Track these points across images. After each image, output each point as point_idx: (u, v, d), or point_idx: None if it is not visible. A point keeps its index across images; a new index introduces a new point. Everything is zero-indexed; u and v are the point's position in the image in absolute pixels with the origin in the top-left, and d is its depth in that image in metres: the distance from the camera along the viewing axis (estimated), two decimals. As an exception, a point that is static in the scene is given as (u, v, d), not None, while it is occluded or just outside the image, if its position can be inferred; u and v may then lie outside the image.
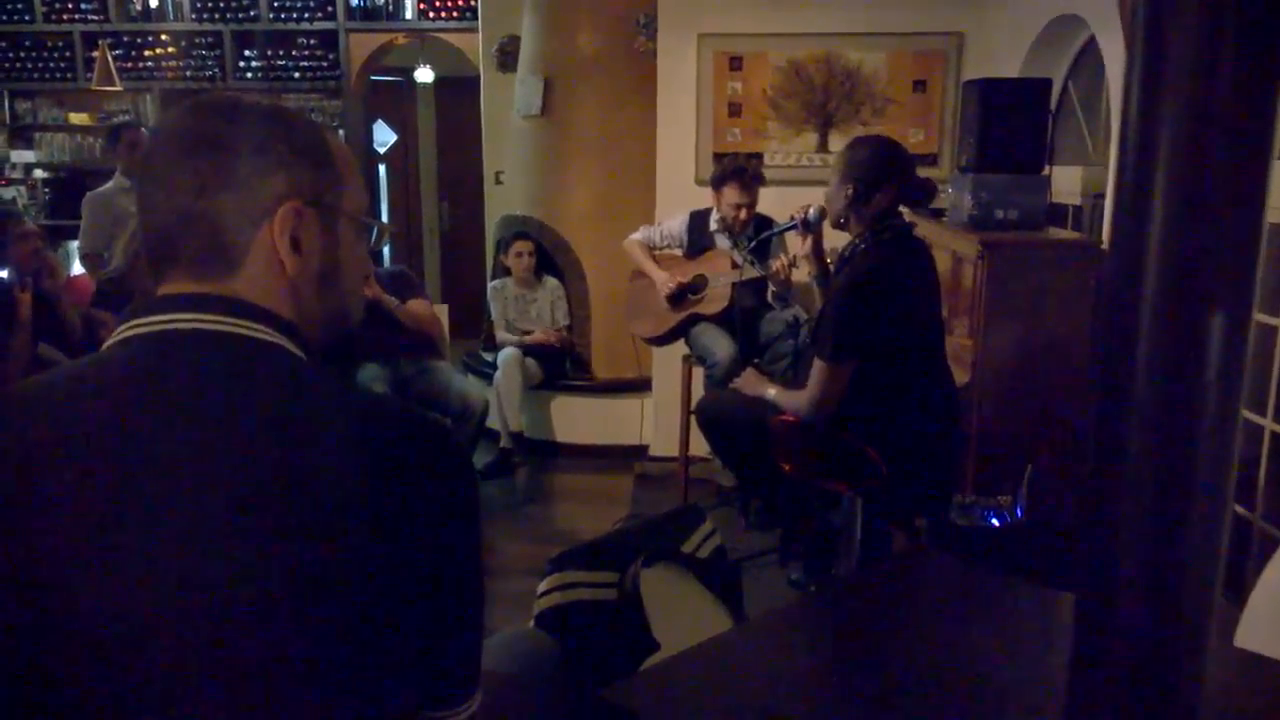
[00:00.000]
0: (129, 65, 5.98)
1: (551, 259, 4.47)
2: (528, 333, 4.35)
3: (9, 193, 6.08)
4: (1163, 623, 0.67)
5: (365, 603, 0.71)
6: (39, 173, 6.25)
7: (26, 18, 5.99)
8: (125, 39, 6.02)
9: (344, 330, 0.89)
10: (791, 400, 2.43)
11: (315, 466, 0.72)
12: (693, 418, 3.01)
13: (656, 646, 1.67)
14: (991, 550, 2.38)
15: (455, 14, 5.88)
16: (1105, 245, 2.66)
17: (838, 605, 1.64)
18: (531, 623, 1.72)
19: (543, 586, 1.74)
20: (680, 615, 1.79)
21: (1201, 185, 0.61)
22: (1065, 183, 3.22)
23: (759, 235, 3.32)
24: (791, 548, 2.94)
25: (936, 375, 2.42)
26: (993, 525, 2.45)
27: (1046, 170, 2.92)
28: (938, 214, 3.15)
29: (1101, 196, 3.00)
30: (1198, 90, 0.60)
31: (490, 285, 4.48)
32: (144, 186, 0.80)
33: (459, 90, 6.41)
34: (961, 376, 2.67)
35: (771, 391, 2.50)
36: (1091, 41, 3.08)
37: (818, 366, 2.34)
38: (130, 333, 0.77)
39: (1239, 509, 2.42)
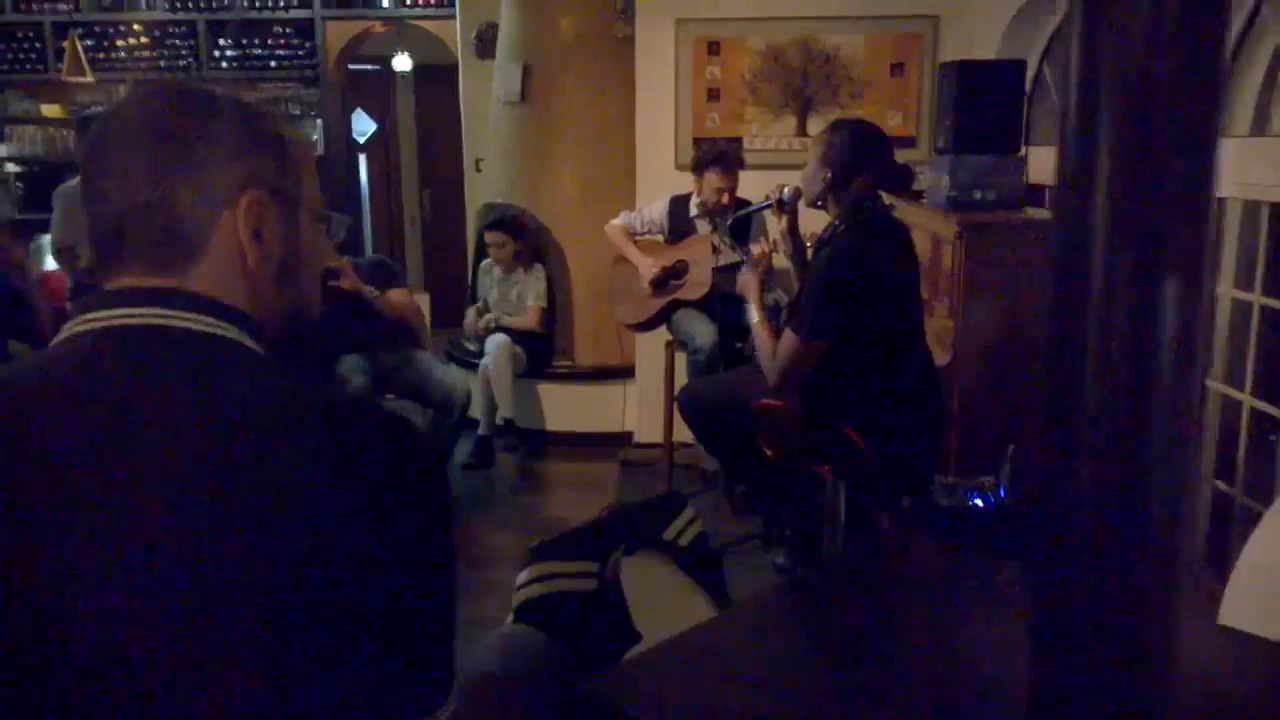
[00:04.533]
0: (101, 56, 5.89)
1: (534, 246, 4.45)
2: (502, 316, 4.30)
3: (-18, 186, 6.00)
4: (1121, 596, 0.67)
5: (331, 606, 0.69)
6: (10, 166, 6.16)
7: (-6, 8, 5.89)
8: (96, 29, 5.93)
9: (302, 324, 0.87)
10: (764, 347, 2.42)
11: (274, 468, 0.69)
12: (676, 404, 3.00)
13: (638, 637, 1.67)
14: (975, 530, 2.39)
15: (433, 2, 5.82)
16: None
17: (820, 590, 1.64)
18: (511, 616, 1.71)
19: (522, 577, 1.73)
20: (662, 604, 1.79)
21: (1148, 151, 0.61)
22: (1042, 163, 3.23)
23: (735, 218, 3.32)
24: (775, 533, 2.95)
25: (916, 357, 2.42)
26: (976, 505, 2.46)
27: (1023, 151, 2.92)
28: (917, 196, 3.15)
29: (1079, 176, 3.01)
30: (1140, 57, 0.59)
31: (481, 265, 4.45)
32: (94, 177, 0.77)
33: (438, 78, 6.35)
34: (942, 357, 2.68)
35: (755, 318, 2.48)
36: (1066, 22, 3.08)
37: (788, 339, 2.34)
38: (79, 328, 0.73)
39: (1220, 484, 2.45)
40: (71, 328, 0.74)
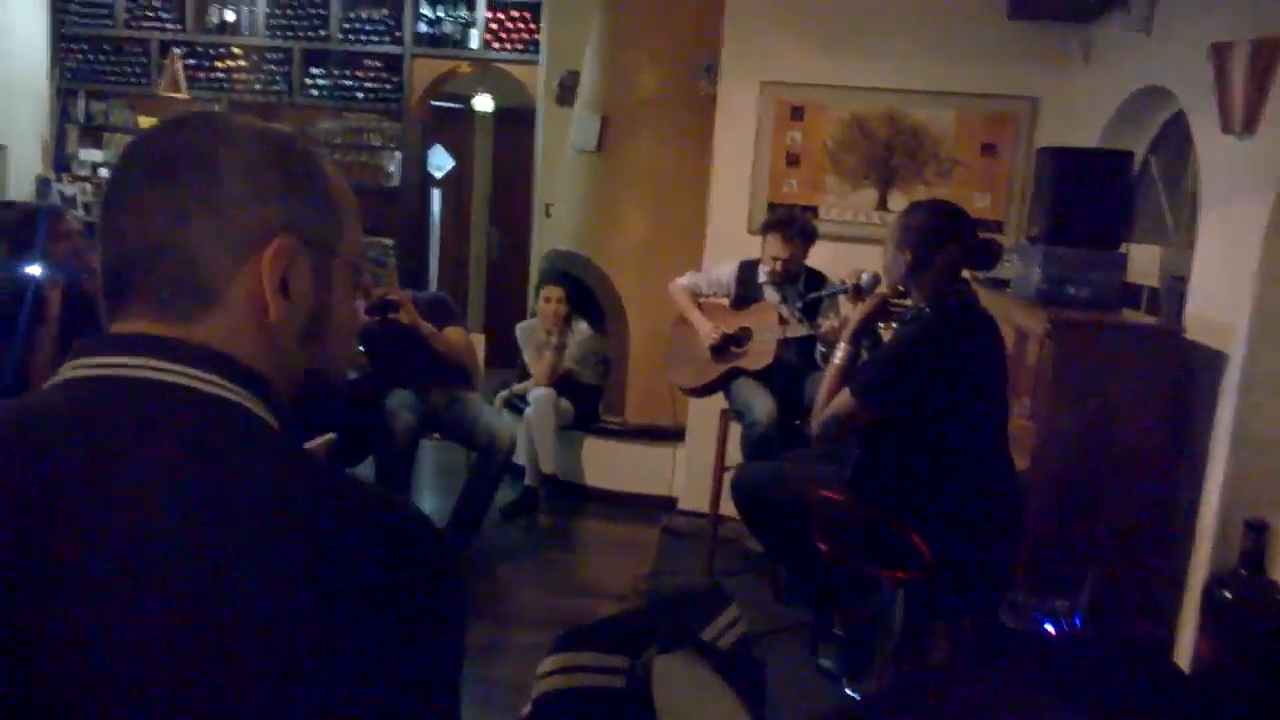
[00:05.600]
0: (200, 75, 6.08)
1: (594, 297, 4.37)
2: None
3: (72, 189, 6.18)
4: None
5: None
6: (104, 172, 6.37)
7: (108, 22, 6.13)
8: (199, 49, 6.13)
9: (324, 394, 0.78)
10: (824, 389, 2.29)
11: (256, 558, 0.59)
12: (726, 484, 2.83)
13: (665, 746, 1.51)
14: (1043, 660, 2.17)
15: (519, 46, 5.89)
16: (1188, 333, 2.46)
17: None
18: (529, 707, 1.57)
19: (545, 666, 1.58)
20: (694, 713, 1.62)
21: None
22: (1142, 262, 3.03)
23: (810, 292, 3.18)
24: (825, 632, 2.74)
25: (997, 462, 2.24)
26: (1047, 632, 2.23)
27: (1123, 247, 2.73)
28: (1001, 285, 2.97)
29: (1181, 279, 2.80)
30: None
31: (519, 327, 4.37)
32: (108, 210, 0.70)
33: (517, 121, 6.40)
34: (1019, 462, 2.47)
35: (839, 356, 2.33)
36: (1178, 115, 2.90)
37: (844, 394, 2.22)
38: (72, 374, 0.66)
39: None
40: (65, 373, 0.67)
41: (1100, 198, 2.65)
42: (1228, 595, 1.93)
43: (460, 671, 0.68)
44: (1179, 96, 2.76)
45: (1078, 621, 2.16)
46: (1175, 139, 3.05)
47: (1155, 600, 2.53)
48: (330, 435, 2.39)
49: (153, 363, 0.65)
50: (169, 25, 6.13)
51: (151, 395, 0.64)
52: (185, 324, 0.67)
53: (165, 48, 6.02)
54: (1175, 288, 2.88)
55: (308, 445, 2.42)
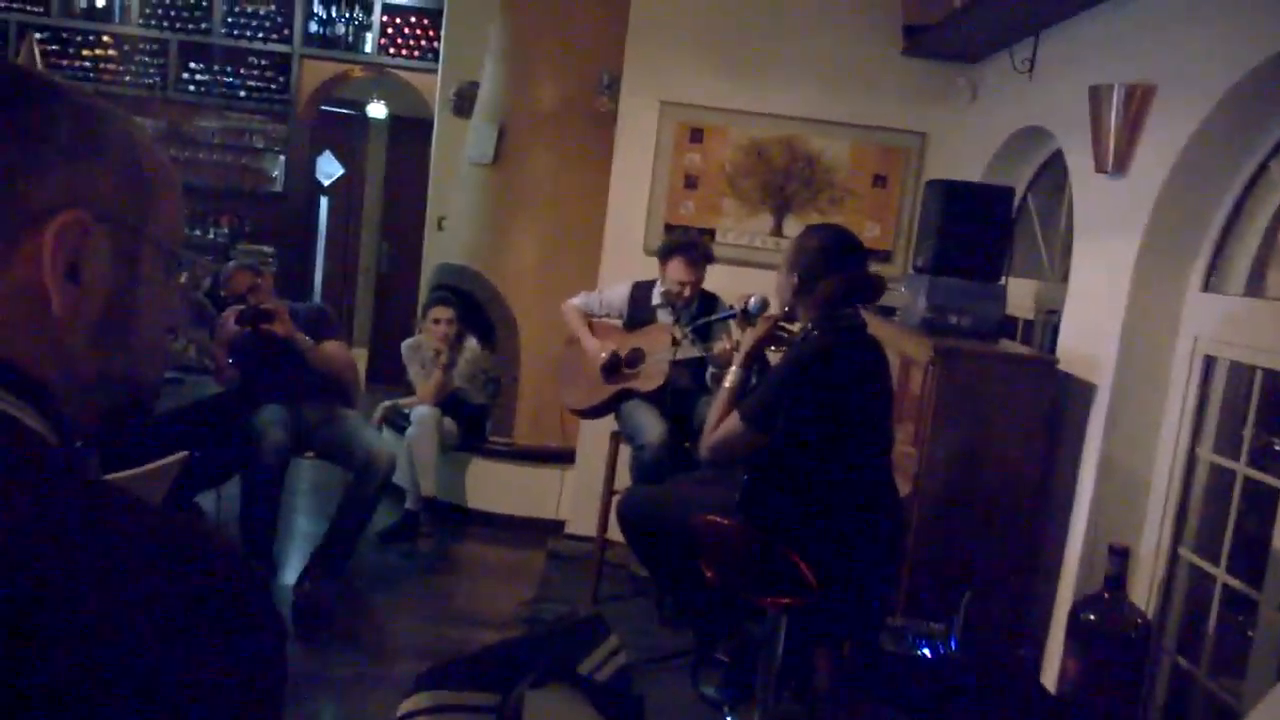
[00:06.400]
0: (63, 63, 5.66)
1: (484, 313, 4.24)
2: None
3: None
4: None
5: None
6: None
7: (-40, 3, 5.65)
8: (64, 34, 5.71)
9: (132, 403, 0.65)
10: (714, 412, 2.27)
11: (27, 599, 0.47)
12: (615, 510, 2.75)
13: (534, 789, 1.40)
14: (919, 684, 2.17)
15: (416, 53, 5.74)
16: (1061, 364, 2.54)
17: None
18: (387, 751, 1.43)
19: (407, 706, 1.46)
20: (567, 751, 1.52)
21: None
22: (1018, 295, 3.14)
23: (702, 316, 3.15)
24: (707, 658, 2.68)
25: (881, 487, 2.23)
26: (924, 655, 2.24)
27: (1003, 280, 2.81)
28: (889, 312, 3.02)
29: (1055, 313, 2.91)
30: None
31: (405, 344, 4.19)
32: None
33: (411, 130, 6.23)
34: (902, 488, 2.49)
35: (729, 380, 2.30)
36: (1056, 155, 3.03)
37: (732, 418, 2.20)
38: None
39: (1182, 660, 2.27)
40: None
41: (984, 231, 2.72)
42: (1091, 617, 1.97)
43: (277, 714, 0.58)
44: (1057, 136, 2.88)
45: (954, 644, 2.17)
46: (1053, 177, 3.19)
47: (1027, 622, 2.58)
48: (181, 454, 2.19)
49: None
50: (30, 7, 5.69)
51: None
52: None
53: (23, 31, 5.58)
54: (1049, 320, 2.99)
55: (156, 465, 2.22)
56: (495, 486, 4.14)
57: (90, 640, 0.48)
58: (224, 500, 3.47)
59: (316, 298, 6.39)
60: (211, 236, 5.85)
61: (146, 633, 0.50)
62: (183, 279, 0.69)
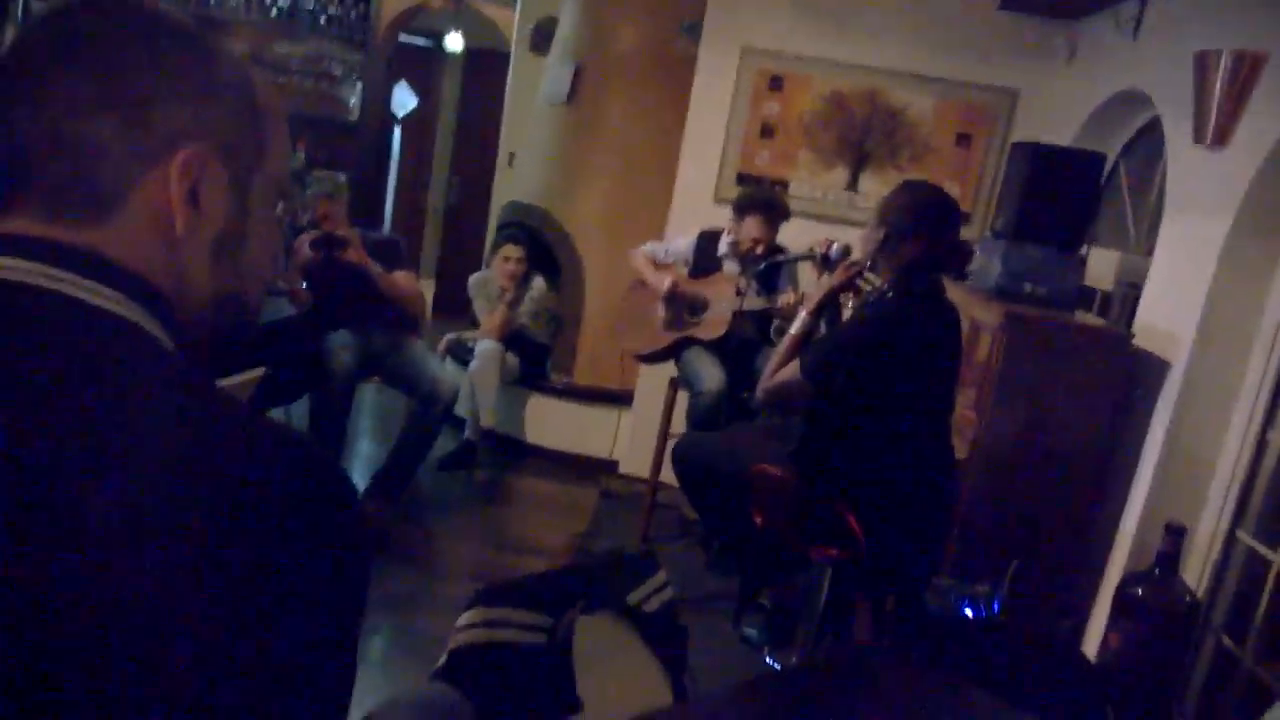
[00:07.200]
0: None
1: (551, 253, 4.27)
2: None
3: None
4: None
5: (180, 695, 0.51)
6: None
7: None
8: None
9: (237, 320, 0.70)
10: (776, 356, 2.27)
11: (151, 491, 0.52)
12: (671, 454, 2.78)
13: (579, 707, 1.47)
14: (959, 644, 2.19)
15: (497, -14, 5.69)
16: (1136, 340, 2.48)
17: (777, 700, 1.43)
18: (444, 657, 1.51)
19: (465, 619, 1.53)
20: (613, 675, 1.59)
21: None
22: (1099, 265, 3.05)
23: (769, 267, 3.13)
24: (750, 602, 2.73)
25: (937, 450, 2.23)
26: (966, 616, 2.25)
27: (1084, 249, 2.73)
28: (961, 276, 2.97)
29: (1136, 286, 2.82)
30: None
31: (472, 279, 4.26)
32: (2, 103, 0.61)
33: (488, 65, 6.22)
34: (959, 451, 2.48)
35: (796, 327, 2.30)
36: (1154, 122, 2.90)
37: (792, 365, 2.20)
38: None
39: (1228, 641, 2.24)
40: None
41: (1068, 198, 2.64)
42: (1139, 592, 1.96)
43: (359, 631, 0.63)
44: (1156, 103, 2.76)
45: (996, 608, 2.18)
46: (1148, 146, 3.06)
47: (1073, 593, 2.57)
48: (258, 370, 2.28)
49: (38, 266, 0.57)
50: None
51: (32, 304, 0.56)
52: (79, 229, 0.60)
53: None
54: (1129, 294, 2.91)
55: (237, 378, 2.32)
56: (553, 423, 4.23)
57: (205, 530, 0.53)
58: (292, 419, 3.61)
59: (386, 228, 6.51)
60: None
61: (254, 527, 0.54)
62: (279, 208, 0.74)
